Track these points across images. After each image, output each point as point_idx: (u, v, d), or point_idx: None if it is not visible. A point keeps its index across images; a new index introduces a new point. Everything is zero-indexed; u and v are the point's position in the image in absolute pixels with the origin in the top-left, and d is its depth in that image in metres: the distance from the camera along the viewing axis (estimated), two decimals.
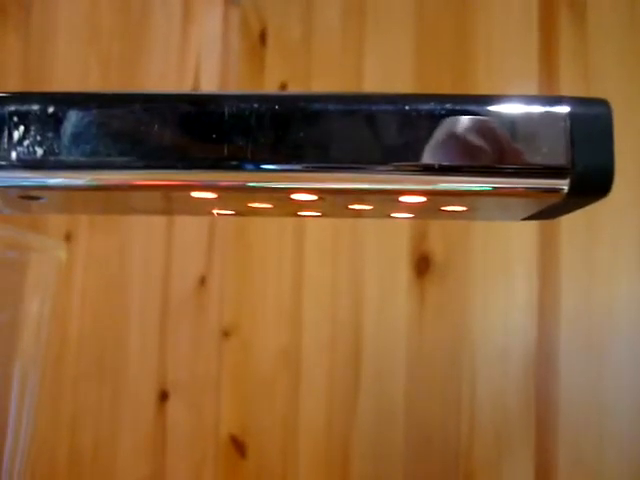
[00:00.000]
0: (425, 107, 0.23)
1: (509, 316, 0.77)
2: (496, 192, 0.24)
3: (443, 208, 0.27)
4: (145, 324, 0.86)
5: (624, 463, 0.70)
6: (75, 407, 0.82)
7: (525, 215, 0.28)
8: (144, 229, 0.88)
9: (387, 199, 0.25)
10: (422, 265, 0.82)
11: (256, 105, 0.23)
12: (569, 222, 0.75)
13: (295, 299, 0.83)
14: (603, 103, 0.24)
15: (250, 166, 0.24)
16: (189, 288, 0.87)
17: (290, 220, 0.87)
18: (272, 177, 0.24)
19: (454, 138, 0.23)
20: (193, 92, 0.25)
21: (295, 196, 0.24)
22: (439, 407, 0.75)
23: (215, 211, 0.28)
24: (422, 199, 0.25)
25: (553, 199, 0.24)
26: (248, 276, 0.85)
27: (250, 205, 0.27)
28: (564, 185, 0.24)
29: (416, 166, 0.23)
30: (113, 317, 0.87)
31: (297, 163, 0.24)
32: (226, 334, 0.83)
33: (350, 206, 0.27)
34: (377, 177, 0.24)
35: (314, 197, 0.24)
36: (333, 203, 0.26)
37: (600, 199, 0.24)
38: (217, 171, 0.24)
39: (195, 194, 0.25)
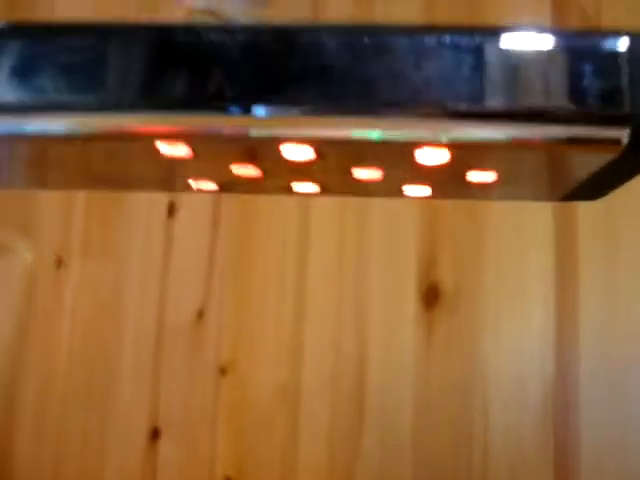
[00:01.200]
0: (457, 40, 0.19)
1: (525, 347, 0.71)
2: (541, 143, 0.19)
3: (469, 176, 0.22)
4: (138, 358, 0.81)
5: None
6: (60, 444, 0.76)
7: (565, 191, 0.23)
8: (140, 257, 0.83)
9: (400, 158, 0.20)
10: (430, 296, 0.77)
11: (241, 36, 0.19)
12: (587, 245, 0.71)
13: (296, 332, 0.78)
14: None
15: (233, 108, 0.19)
16: (185, 321, 0.81)
17: (292, 246, 0.82)
18: (258, 122, 0.19)
19: (489, 76, 0.19)
20: (166, 22, 0.21)
21: (287, 150, 0.20)
22: (449, 441, 0.70)
23: (193, 183, 0.23)
24: (444, 155, 0.20)
25: (608, 154, 0.20)
26: (247, 309, 0.80)
27: (234, 171, 0.22)
28: (623, 135, 0.19)
29: (439, 109, 0.19)
30: (104, 349, 0.81)
31: (290, 105, 0.19)
32: (223, 371, 0.78)
33: (354, 170, 0.22)
34: (388, 122, 0.19)
35: (311, 153, 0.20)
36: (334, 165, 0.21)
37: None
38: (189, 114, 0.19)
39: (164, 148, 0.20)
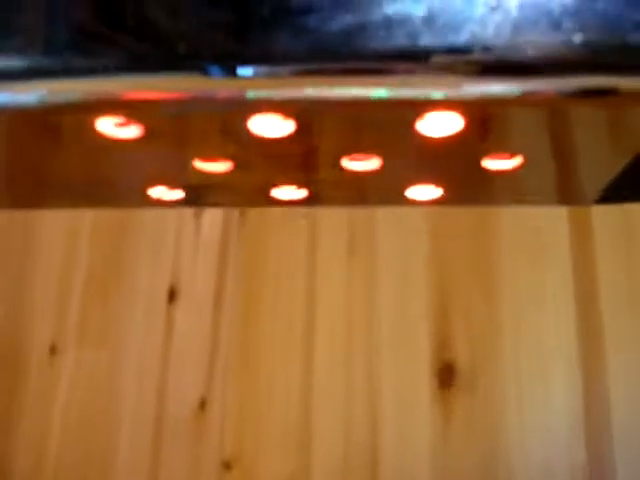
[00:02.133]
0: None
1: (550, 429, 0.65)
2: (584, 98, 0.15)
3: (486, 163, 0.17)
4: (135, 453, 0.74)
5: None
6: None
7: (601, 184, 0.19)
8: (139, 344, 0.78)
9: (401, 132, 0.16)
10: (446, 375, 0.71)
11: None
12: (611, 315, 0.66)
13: (304, 421, 0.72)
14: None
15: (188, 66, 0.15)
16: (186, 412, 0.76)
17: (298, 333, 0.77)
18: (217, 83, 0.15)
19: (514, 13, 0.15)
20: None
21: (259, 124, 0.16)
22: None
23: (154, 191, 0.19)
24: (453, 123, 0.16)
25: None
26: (252, 400, 0.74)
27: (199, 167, 0.18)
28: None
29: (449, 59, 0.15)
30: (98, 443, 0.75)
31: (260, 61, 0.15)
32: (227, 465, 0.71)
33: (346, 160, 0.18)
34: (389, 76, 0.15)
35: (290, 124, 0.16)
36: (319, 149, 0.17)
37: None
38: (131, 76, 0.15)
39: (108, 127, 0.16)
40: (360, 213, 0.84)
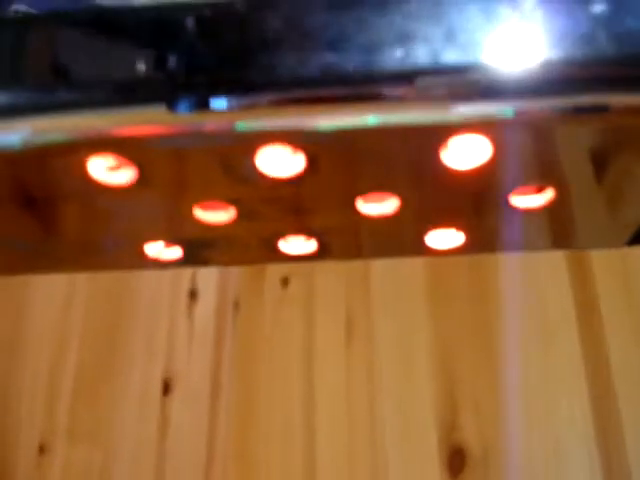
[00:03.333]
0: None
1: None
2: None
3: (514, 197, 0.16)
4: None
5: None
6: None
7: (635, 224, 0.17)
8: (132, 440, 0.75)
9: (423, 163, 0.15)
10: (456, 461, 0.68)
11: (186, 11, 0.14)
12: (624, 388, 0.63)
13: None
14: None
15: (185, 101, 0.13)
16: None
17: (298, 423, 0.74)
18: (220, 117, 0.14)
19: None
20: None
21: (267, 159, 0.14)
22: None
23: (150, 248, 0.18)
24: (482, 149, 0.14)
25: None
26: None
27: (199, 217, 0.16)
28: None
29: (471, 79, 0.13)
30: None
31: (264, 89, 0.14)
32: None
33: (361, 201, 0.16)
34: (405, 101, 0.13)
35: (300, 160, 0.14)
36: (332, 191, 0.16)
37: None
38: (133, 110, 0.14)
39: (99, 172, 0.14)
40: (356, 290, 0.80)
